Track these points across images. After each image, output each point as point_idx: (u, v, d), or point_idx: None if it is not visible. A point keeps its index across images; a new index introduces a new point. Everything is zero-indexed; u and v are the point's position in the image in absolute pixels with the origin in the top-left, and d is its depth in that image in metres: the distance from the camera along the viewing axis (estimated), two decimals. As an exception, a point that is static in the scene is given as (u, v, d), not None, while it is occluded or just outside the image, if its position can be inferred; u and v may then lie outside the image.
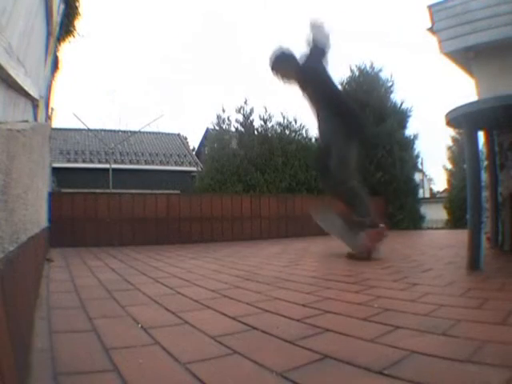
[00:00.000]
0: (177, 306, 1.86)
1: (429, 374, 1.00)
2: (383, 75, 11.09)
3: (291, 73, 3.97)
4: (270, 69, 3.98)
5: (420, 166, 16.09)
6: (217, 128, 11.38)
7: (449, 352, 1.14)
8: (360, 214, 3.57)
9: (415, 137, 10.89)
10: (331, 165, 3.64)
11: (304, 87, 3.97)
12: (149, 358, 1.17)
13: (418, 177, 13.13)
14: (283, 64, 4.00)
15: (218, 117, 11.36)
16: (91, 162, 27.11)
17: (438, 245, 5.24)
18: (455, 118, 2.76)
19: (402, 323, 1.45)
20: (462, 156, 12.18)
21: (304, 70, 3.93)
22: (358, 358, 1.12)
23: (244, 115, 11.16)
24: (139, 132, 28.66)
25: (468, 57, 5.01)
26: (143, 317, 1.64)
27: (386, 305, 1.77)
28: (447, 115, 2.83)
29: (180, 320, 1.60)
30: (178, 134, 34.09)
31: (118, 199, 6.06)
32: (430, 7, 5.21)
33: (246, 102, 11.24)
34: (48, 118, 6.81)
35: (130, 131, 29.59)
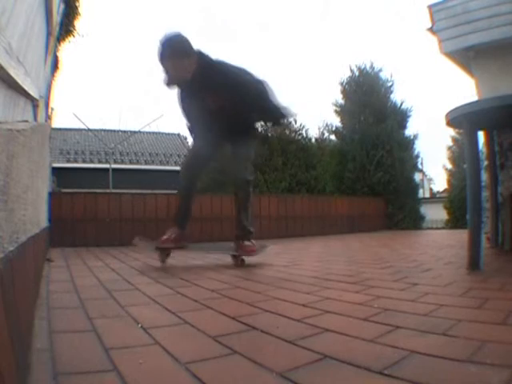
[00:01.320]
0: (176, 305, 1.86)
1: (429, 374, 0.99)
2: (383, 75, 11.12)
3: (190, 67, 3.23)
4: (163, 57, 3.17)
5: (420, 166, 16.10)
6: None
7: (449, 352, 1.13)
8: (249, 222, 3.65)
9: (415, 137, 10.94)
10: (232, 164, 3.58)
11: (210, 88, 3.34)
12: (149, 358, 1.17)
13: (417, 177, 13.15)
14: (184, 54, 3.22)
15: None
16: (91, 161, 27.16)
17: (438, 245, 5.25)
18: (455, 118, 2.76)
19: (401, 323, 1.45)
20: (462, 156, 12.21)
21: (218, 70, 3.29)
22: (358, 358, 1.12)
23: (244, 114, 11.16)
24: (139, 132, 28.67)
25: (468, 57, 5.01)
26: (143, 317, 1.64)
27: (386, 305, 1.77)
28: (447, 115, 2.83)
29: (180, 320, 1.60)
30: (178, 134, 34.10)
31: (118, 199, 6.06)
32: (430, 7, 5.20)
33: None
34: (48, 117, 6.82)
35: (130, 131, 29.60)
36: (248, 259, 3.49)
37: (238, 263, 3.44)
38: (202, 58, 3.28)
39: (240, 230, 3.59)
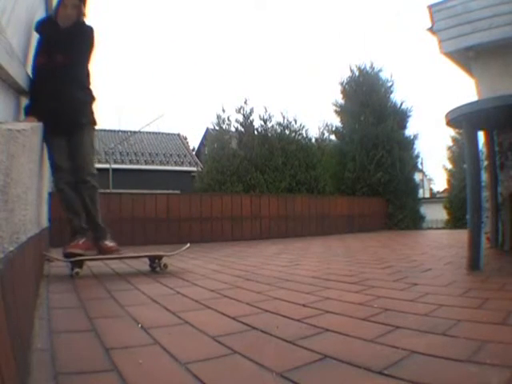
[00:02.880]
0: (177, 305, 1.86)
1: (429, 374, 1.00)
2: (383, 75, 11.13)
3: (79, 15, 3.15)
4: None
5: (420, 166, 16.13)
6: (217, 128, 11.39)
7: (449, 352, 1.14)
8: (101, 220, 3.40)
9: (415, 137, 10.94)
10: (80, 158, 3.17)
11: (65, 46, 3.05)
12: (149, 357, 1.17)
13: (417, 177, 13.16)
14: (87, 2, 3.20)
15: (218, 117, 11.37)
16: (91, 161, 27.08)
17: (438, 245, 5.25)
18: (455, 118, 2.76)
19: (402, 323, 1.45)
20: (461, 156, 12.20)
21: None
22: (358, 358, 1.12)
23: (244, 115, 11.17)
24: (139, 132, 28.65)
25: (468, 57, 5.01)
26: (143, 317, 1.64)
27: (386, 305, 1.77)
28: (447, 115, 2.83)
29: (180, 320, 1.60)
30: (178, 134, 34.05)
31: (117, 199, 6.06)
32: (430, 7, 5.21)
33: (245, 102, 11.26)
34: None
35: (130, 131, 29.58)
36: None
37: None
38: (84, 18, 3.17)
39: (95, 231, 3.33)
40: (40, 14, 3.17)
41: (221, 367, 1.11)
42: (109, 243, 3.32)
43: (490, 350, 1.15)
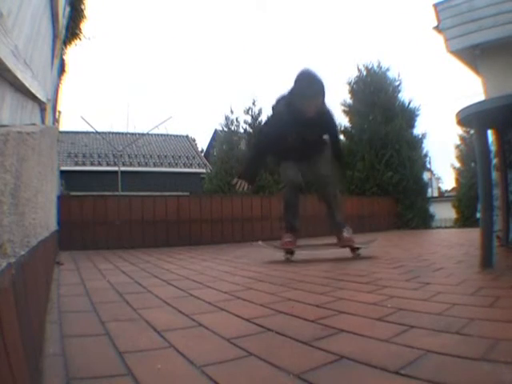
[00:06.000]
0: (190, 308, 1.86)
1: (445, 373, 1.00)
2: (391, 74, 11.11)
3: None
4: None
5: (428, 165, 16.07)
6: (225, 129, 11.40)
7: (463, 351, 1.14)
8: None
9: (423, 136, 10.90)
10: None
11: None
12: (164, 361, 1.17)
13: (426, 176, 13.11)
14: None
15: (227, 118, 11.38)
16: (99, 164, 27.21)
17: (448, 243, 5.23)
18: (466, 117, 2.76)
19: (415, 323, 1.46)
20: (470, 154, 12.15)
21: None
22: (374, 359, 1.12)
23: (252, 116, 11.17)
24: (147, 134, 28.74)
25: (474, 55, 5.00)
26: (156, 320, 1.65)
27: (399, 304, 1.78)
28: (458, 114, 2.82)
29: (194, 322, 1.61)
30: (187, 136, 34.12)
31: (127, 202, 6.08)
32: (435, 6, 5.21)
33: (254, 103, 11.26)
34: (55, 121, 6.84)
35: (139, 133, 29.70)
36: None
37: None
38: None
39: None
40: (46, 19, 3.19)
41: (237, 369, 1.11)
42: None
43: (502, 348, 1.16)
